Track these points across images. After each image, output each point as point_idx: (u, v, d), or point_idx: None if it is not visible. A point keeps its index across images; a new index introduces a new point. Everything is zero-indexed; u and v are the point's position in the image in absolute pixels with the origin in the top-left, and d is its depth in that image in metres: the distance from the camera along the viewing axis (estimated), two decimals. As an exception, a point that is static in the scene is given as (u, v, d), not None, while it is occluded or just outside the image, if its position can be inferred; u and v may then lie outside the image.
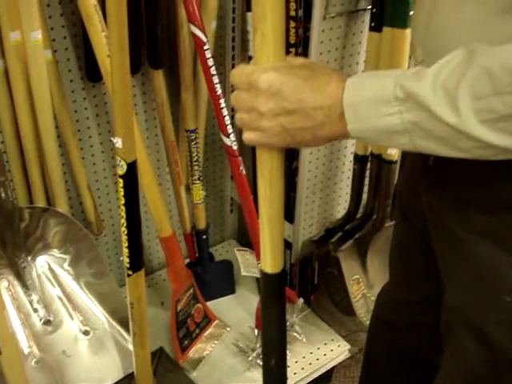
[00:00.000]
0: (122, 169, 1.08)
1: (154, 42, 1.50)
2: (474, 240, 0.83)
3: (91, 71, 1.51)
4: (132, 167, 1.08)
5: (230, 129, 1.46)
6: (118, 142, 1.04)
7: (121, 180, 1.10)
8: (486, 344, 0.87)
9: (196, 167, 1.69)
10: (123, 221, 1.15)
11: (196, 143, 1.67)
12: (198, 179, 1.71)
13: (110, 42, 0.94)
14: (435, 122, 0.63)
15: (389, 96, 0.65)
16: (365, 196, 1.80)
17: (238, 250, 1.75)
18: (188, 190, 1.77)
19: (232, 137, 1.46)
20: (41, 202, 1.51)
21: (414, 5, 0.89)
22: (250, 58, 1.61)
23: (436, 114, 0.62)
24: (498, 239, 0.80)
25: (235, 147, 1.48)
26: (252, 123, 0.74)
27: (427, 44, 0.82)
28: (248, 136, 0.76)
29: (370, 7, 1.52)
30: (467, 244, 0.84)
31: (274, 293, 0.92)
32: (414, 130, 0.65)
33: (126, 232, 1.17)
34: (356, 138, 0.71)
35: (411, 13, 1.43)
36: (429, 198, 0.93)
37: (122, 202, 1.12)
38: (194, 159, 1.68)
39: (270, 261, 0.87)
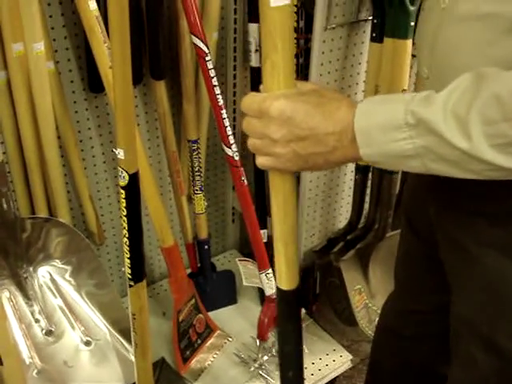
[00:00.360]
0: (123, 180, 1.08)
1: (155, 53, 1.50)
2: (482, 252, 0.83)
3: (93, 82, 1.51)
4: (134, 178, 1.08)
5: (231, 139, 1.46)
6: (120, 153, 1.04)
7: (123, 191, 1.10)
8: (496, 354, 0.88)
9: (198, 177, 1.69)
10: (125, 231, 1.15)
11: (198, 153, 1.67)
12: (200, 189, 1.72)
13: (112, 53, 0.94)
14: (446, 146, 0.64)
15: (399, 122, 0.66)
16: (366, 206, 1.80)
17: (240, 261, 1.75)
18: (190, 200, 1.77)
19: (234, 147, 1.47)
20: (42, 213, 1.51)
21: (418, 22, 0.90)
22: (252, 69, 1.61)
23: (447, 139, 0.63)
24: (507, 251, 0.81)
25: (237, 158, 1.48)
26: (264, 149, 0.75)
27: (433, 62, 0.83)
28: (261, 161, 0.77)
29: (371, 18, 1.53)
30: (476, 255, 0.84)
31: (290, 308, 0.94)
32: (425, 154, 0.66)
33: (127, 243, 1.17)
34: (368, 162, 0.72)
35: (412, 24, 1.43)
36: (436, 209, 0.93)
37: (124, 212, 1.12)
38: (196, 169, 1.68)
39: (286, 278, 0.89)
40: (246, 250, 2.11)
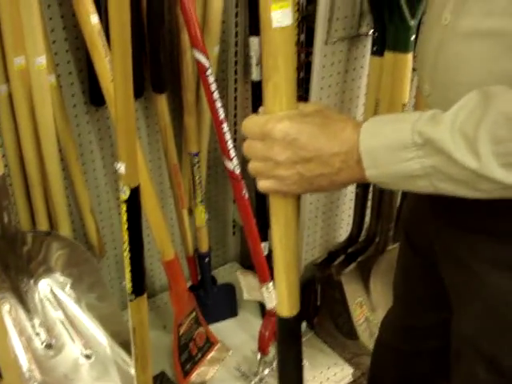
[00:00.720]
0: (125, 194, 1.08)
1: (157, 66, 1.50)
2: (485, 269, 0.83)
3: (95, 95, 1.51)
4: (135, 192, 1.08)
5: (232, 153, 1.46)
6: (121, 168, 1.04)
7: (124, 205, 1.10)
8: (499, 372, 0.87)
9: (199, 190, 1.70)
10: (126, 245, 1.15)
11: (199, 166, 1.68)
12: (201, 202, 1.72)
13: (113, 68, 0.94)
14: (455, 166, 0.63)
15: (407, 142, 0.65)
16: (367, 219, 1.80)
17: (241, 273, 1.75)
18: (190, 212, 1.77)
19: (234, 161, 1.47)
20: (43, 225, 1.51)
21: (419, 38, 0.89)
22: (253, 83, 1.62)
23: (456, 158, 0.63)
24: (509, 268, 0.80)
25: (238, 171, 1.48)
26: (268, 172, 0.73)
27: (435, 79, 0.82)
28: (264, 185, 0.75)
29: (371, 32, 1.53)
30: (478, 273, 0.84)
31: (291, 335, 0.91)
32: (434, 173, 0.65)
33: (128, 257, 1.17)
34: (375, 183, 0.71)
35: (413, 37, 1.44)
36: (437, 225, 0.93)
37: (125, 226, 1.12)
38: (197, 182, 1.69)
39: (287, 305, 0.86)
40: (247, 262, 2.10)
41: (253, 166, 0.75)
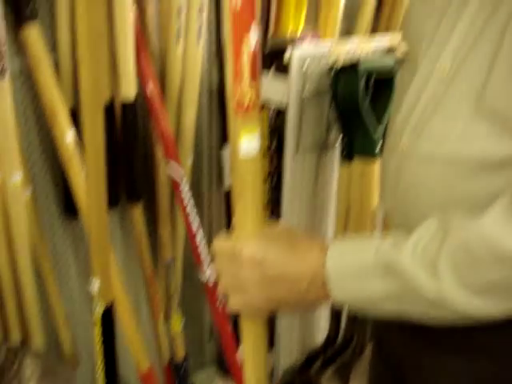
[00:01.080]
0: (99, 310, 1.09)
1: (131, 177, 1.53)
2: (449, 382, 0.83)
3: (70, 206, 1.52)
4: (109, 308, 1.09)
5: (205, 266, 1.48)
6: (96, 284, 1.06)
7: (98, 321, 1.10)
8: None
9: (174, 297, 1.69)
10: (100, 360, 1.15)
11: (174, 273, 1.68)
12: (176, 309, 1.71)
13: (87, 184, 0.97)
14: (417, 291, 0.65)
15: (370, 267, 0.68)
16: (344, 321, 1.80)
17: (220, 382, 1.73)
18: (166, 319, 1.76)
19: (208, 273, 1.48)
20: (16, 336, 1.49)
21: (381, 160, 0.92)
22: (226, 194, 1.65)
23: (417, 283, 0.65)
24: (472, 382, 0.80)
25: (211, 283, 1.49)
26: (236, 291, 0.75)
27: (396, 200, 0.84)
28: (232, 303, 0.77)
29: (340, 140, 1.58)
30: None
31: None
32: (396, 298, 0.68)
33: (102, 371, 1.16)
34: (341, 305, 0.73)
35: (380, 143, 1.49)
36: (404, 337, 0.93)
37: (99, 342, 1.12)
38: (172, 289, 1.69)
39: None
40: (225, 365, 2.07)
41: (222, 284, 0.77)
